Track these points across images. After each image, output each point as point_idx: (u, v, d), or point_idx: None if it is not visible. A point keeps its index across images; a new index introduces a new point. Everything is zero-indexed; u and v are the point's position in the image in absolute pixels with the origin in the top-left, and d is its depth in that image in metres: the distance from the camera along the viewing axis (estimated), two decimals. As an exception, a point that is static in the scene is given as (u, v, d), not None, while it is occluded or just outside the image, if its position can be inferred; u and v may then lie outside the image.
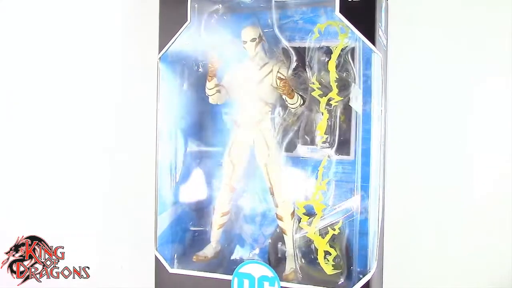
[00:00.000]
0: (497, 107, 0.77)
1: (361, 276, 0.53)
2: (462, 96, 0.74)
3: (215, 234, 0.58)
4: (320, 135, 0.57)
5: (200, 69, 0.60)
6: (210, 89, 0.56)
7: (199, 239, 0.59)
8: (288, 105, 0.56)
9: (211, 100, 0.57)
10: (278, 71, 0.56)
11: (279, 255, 0.59)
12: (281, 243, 0.59)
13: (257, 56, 0.57)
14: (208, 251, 0.57)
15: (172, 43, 0.54)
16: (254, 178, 0.60)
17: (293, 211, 0.56)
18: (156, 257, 0.54)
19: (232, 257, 0.60)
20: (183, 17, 0.54)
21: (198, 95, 0.59)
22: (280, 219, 0.57)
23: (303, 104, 0.56)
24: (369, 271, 0.53)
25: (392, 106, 0.61)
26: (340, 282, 0.56)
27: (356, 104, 0.57)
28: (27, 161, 0.58)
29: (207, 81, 0.56)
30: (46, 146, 0.59)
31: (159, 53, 0.54)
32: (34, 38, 0.59)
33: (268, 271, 0.54)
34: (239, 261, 0.58)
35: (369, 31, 0.52)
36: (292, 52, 0.58)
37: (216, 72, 0.55)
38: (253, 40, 0.56)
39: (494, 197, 0.78)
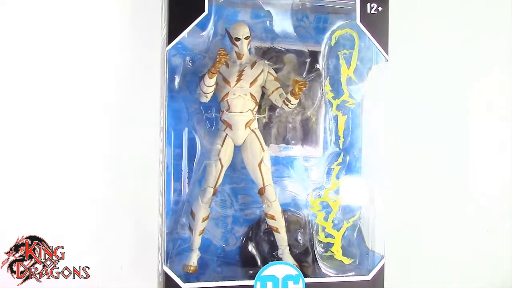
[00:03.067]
0: (496, 109, 0.78)
1: (376, 262, 0.58)
2: (461, 97, 0.75)
3: (197, 241, 0.56)
4: (339, 134, 0.60)
5: (191, 64, 0.59)
6: (209, 86, 0.55)
7: (184, 248, 0.58)
8: (289, 105, 0.56)
9: (204, 98, 0.56)
10: (268, 72, 0.57)
11: (265, 255, 0.59)
12: (264, 242, 0.60)
13: (246, 55, 0.57)
14: (195, 259, 0.56)
15: (184, 35, 0.52)
16: (229, 178, 0.60)
17: (282, 209, 0.57)
18: (165, 273, 0.52)
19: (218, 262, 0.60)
20: (200, 7, 0.52)
21: (192, 92, 0.58)
22: (272, 218, 0.57)
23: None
24: (383, 257, 0.58)
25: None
26: (357, 269, 0.59)
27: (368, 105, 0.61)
28: (27, 161, 0.57)
29: (207, 77, 0.54)
30: (46, 146, 0.58)
31: (168, 44, 0.52)
32: (26, 30, 0.58)
33: (292, 270, 0.55)
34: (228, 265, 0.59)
35: (383, 40, 0.58)
36: (308, 54, 0.60)
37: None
38: (247, 38, 0.56)
39: (494, 196, 0.79)
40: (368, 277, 0.58)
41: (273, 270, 0.54)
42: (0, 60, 0.57)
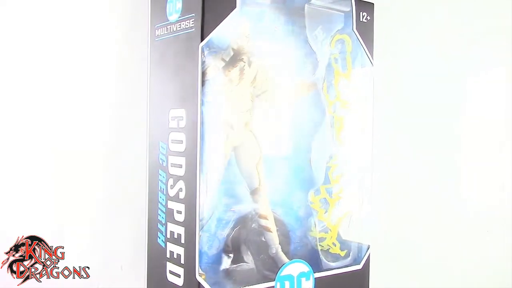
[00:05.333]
0: (485, 109, 0.82)
1: (363, 252, 0.63)
2: (453, 97, 0.79)
3: None
4: (337, 134, 0.63)
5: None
6: (223, 84, 0.54)
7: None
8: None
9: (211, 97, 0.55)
10: (262, 72, 0.58)
11: (256, 255, 0.60)
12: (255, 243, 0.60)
13: None
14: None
15: (217, 31, 0.51)
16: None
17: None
18: (198, 284, 0.51)
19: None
20: (232, 3, 0.52)
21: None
22: (265, 218, 0.58)
23: None
24: (369, 246, 0.63)
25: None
26: (350, 259, 0.63)
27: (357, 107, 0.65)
28: (27, 161, 0.57)
29: (223, 75, 0.54)
30: (46, 145, 0.58)
31: (202, 40, 0.50)
32: (24, 30, 0.58)
33: (304, 267, 0.57)
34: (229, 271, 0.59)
35: (370, 46, 0.63)
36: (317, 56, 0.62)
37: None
38: (247, 36, 0.56)
39: (482, 195, 0.83)
40: (359, 266, 0.62)
41: (289, 269, 0.56)
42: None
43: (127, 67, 0.61)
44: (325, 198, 0.62)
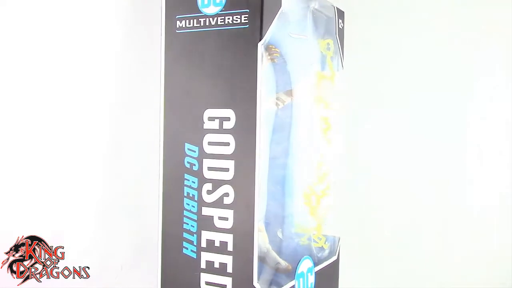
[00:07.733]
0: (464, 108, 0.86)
1: (336, 243, 0.67)
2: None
3: None
4: (325, 133, 0.65)
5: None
6: None
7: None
8: (280, 104, 0.59)
9: None
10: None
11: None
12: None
13: None
14: None
15: (270, 29, 0.49)
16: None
17: None
18: None
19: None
20: (278, 2, 0.50)
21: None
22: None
23: None
24: (339, 238, 0.67)
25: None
26: (329, 250, 0.66)
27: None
28: (27, 161, 0.57)
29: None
30: (46, 145, 0.58)
31: (261, 39, 0.47)
32: (27, 27, 0.57)
33: (309, 262, 0.59)
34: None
35: (343, 50, 0.67)
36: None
37: None
38: None
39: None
40: (335, 257, 0.65)
41: (302, 267, 0.57)
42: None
43: (132, 61, 0.60)
44: (314, 196, 0.64)
